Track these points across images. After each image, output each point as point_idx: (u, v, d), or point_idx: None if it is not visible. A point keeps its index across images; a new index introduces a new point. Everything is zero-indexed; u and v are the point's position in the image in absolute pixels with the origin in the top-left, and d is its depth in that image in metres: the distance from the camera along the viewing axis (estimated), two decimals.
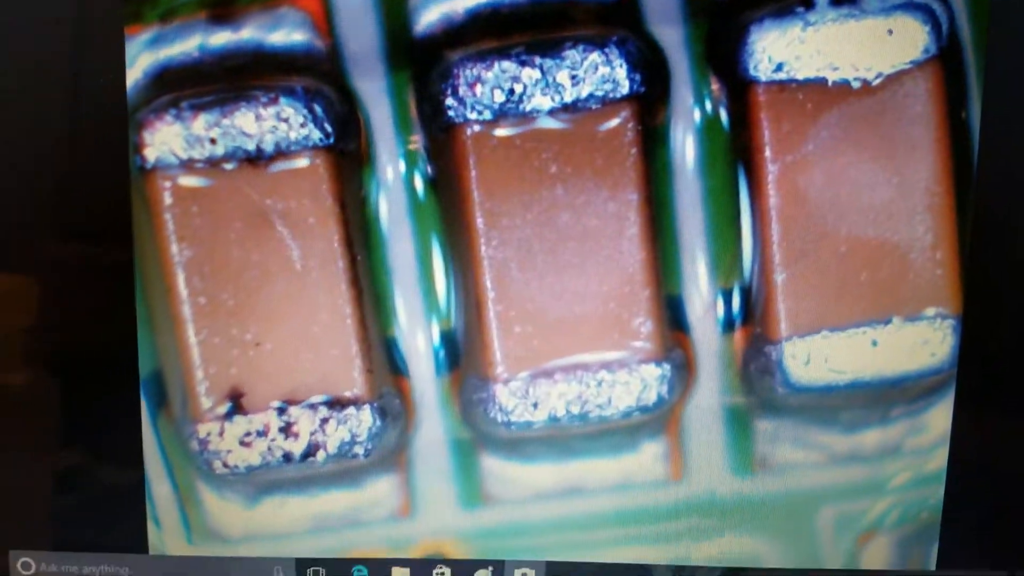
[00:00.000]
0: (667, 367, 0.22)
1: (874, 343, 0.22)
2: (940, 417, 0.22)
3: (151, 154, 0.21)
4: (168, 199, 0.21)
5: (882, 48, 0.21)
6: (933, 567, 0.23)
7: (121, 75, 0.21)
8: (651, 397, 0.22)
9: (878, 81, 0.21)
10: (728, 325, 0.22)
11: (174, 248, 0.21)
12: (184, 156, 0.21)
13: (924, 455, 0.22)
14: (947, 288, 0.22)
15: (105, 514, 0.23)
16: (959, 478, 0.22)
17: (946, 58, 0.21)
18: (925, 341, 0.22)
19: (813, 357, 0.22)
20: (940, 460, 0.22)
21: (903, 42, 0.21)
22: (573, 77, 0.21)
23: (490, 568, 0.24)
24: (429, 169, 0.22)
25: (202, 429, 0.22)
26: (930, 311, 0.22)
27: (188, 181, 0.21)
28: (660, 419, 0.22)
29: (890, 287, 0.22)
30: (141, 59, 0.21)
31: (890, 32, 0.21)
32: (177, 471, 0.23)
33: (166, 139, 0.21)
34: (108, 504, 0.23)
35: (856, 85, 0.21)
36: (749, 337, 0.22)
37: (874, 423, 0.22)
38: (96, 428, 0.23)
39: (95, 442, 0.23)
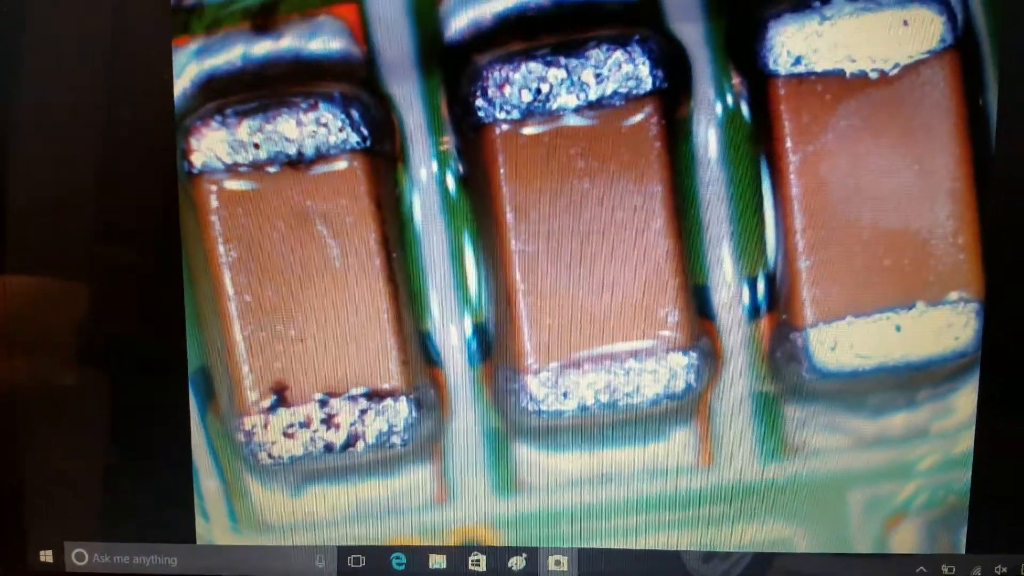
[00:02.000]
0: (694, 355, 0.23)
1: (898, 328, 0.22)
2: (966, 400, 0.22)
3: (198, 159, 0.22)
4: (214, 202, 0.22)
5: (898, 39, 0.21)
6: (962, 551, 0.23)
7: (169, 84, 0.22)
8: (679, 385, 0.23)
9: (895, 71, 0.21)
10: (754, 313, 0.22)
11: (221, 248, 0.23)
12: (229, 161, 0.22)
13: (951, 438, 0.23)
14: (969, 272, 0.22)
15: (155, 506, 0.24)
16: (986, 461, 0.23)
17: (963, 47, 0.21)
18: (949, 325, 0.22)
19: (839, 343, 0.22)
20: (967, 443, 0.23)
21: (919, 32, 0.21)
22: (597, 75, 0.21)
23: (524, 555, 0.24)
24: (460, 168, 0.22)
25: (248, 422, 0.23)
26: (953, 295, 0.22)
27: (233, 184, 0.22)
28: (689, 406, 0.23)
29: (913, 272, 0.22)
30: (188, 69, 0.22)
31: (906, 23, 0.21)
32: (224, 463, 0.24)
33: (212, 145, 0.22)
34: (158, 497, 0.24)
35: (874, 76, 0.21)
36: (775, 324, 0.22)
37: (900, 407, 0.23)
38: (146, 423, 0.24)
39: (146, 437, 0.24)
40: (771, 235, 0.22)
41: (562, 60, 0.21)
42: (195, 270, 0.23)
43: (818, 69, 0.21)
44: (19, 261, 0.23)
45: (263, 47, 0.22)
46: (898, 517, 0.23)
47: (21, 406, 0.24)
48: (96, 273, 0.23)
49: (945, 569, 0.23)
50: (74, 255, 0.23)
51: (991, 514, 0.23)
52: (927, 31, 0.21)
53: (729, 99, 0.22)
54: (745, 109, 0.22)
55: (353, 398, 0.23)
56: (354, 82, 0.22)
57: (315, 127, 0.22)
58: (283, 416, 0.23)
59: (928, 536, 0.23)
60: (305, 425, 0.23)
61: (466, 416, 0.23)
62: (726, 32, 0.21)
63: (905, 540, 0.23)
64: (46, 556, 0.25)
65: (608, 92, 0.21)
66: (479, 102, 0.22)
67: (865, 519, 0.23)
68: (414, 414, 0.23)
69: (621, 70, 0.21)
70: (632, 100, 0.21)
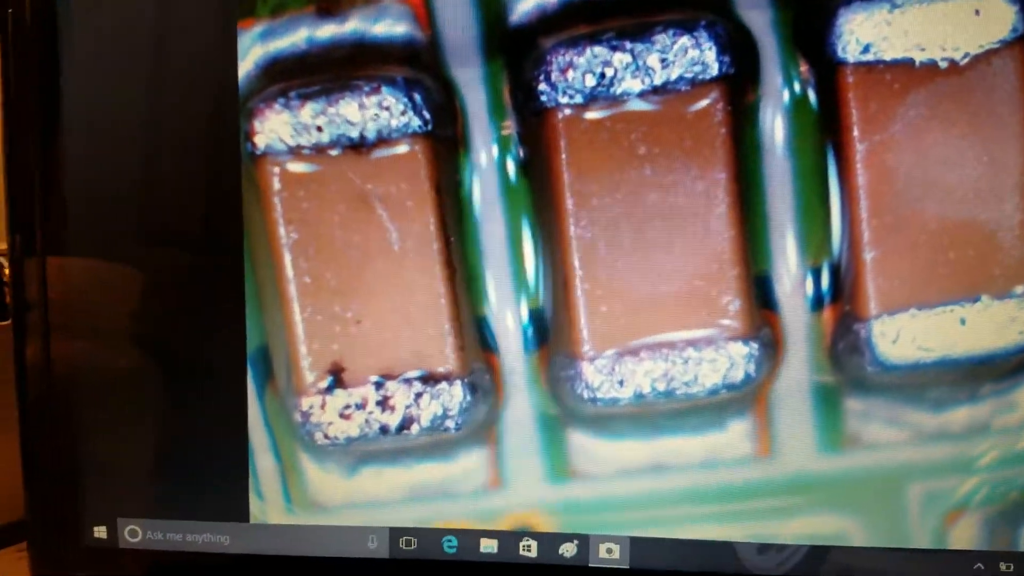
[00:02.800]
0: (755, 345, 0.22)
1: (962, 321, 0.22)
2: None
3: (261, 141, 0.22)
4: (277, 183, 0.23)
5: (969, 28, 0.21)
6: (1021, 548, 0.23)
7: (234, 66, 0.22)
8: (738, 375, 0.23)
9: (965, 61, 0.21)
10: (817, 303, 0.22)
11: (282, 230, 0.23)
12: (292, 143, 0.22)
13: (1013, 434, 0.22)
14: None
15: (209, 485, 0.25)
16: None
17: None
18: (1013, 319, 0.22)
19: (902, 335, 0.22)
20: None
21: (990, 22, 0.21)
22: (663, 60, 0.21)
23: (575, 542, 0.24)
24: (521, 153, 0.22)
25: (305, 402, 0.23)
26: (1019, 289, 0.22)
27: (295, 167, 0.22)
28: (747, 397, 0.23)
29: (978, 265, 0.22)
30: (253, 51, 0.22)
31: (977, 12, 0.21)
32: (280, 442, 0.24)
33: (275, 127, 0.22)
34: (212, 475, 0.25)
35: (943, 65, 0.21)
36: (838, 315, 0.22)
37: (963, 401, 0.22)
38: (203, 401, 0.24)
39: (202, 415, 0.24)
40: (836, 225, 0.22)
41: (627, 44, 0.21)
42: (257, 251, 0.23)
43: (887, 58, 0.21)
44: (83, 241, 0.24)
45: (327, 30, 0.22)
46: (957, 512, 0.23)
47: (78, 384, 0.24)
48: (160, 251, 0.24)
49: (1003, 566, 0.23)
50: (141, 233, 0.24)
51: None
52: (999, 20, 0.21)
53: (796, 86, 0.21)
54: (812, 97, 0.21)
55: (408, 381, 0.23)
56: (417, 66, 0.22)
57: (377, 110, 0.22)
58: (340, 397, 0.23)
59: (987, 532, 0.23)
60: (361, 407, 0.23)
61: (521, 402, 0.23)
62: (794, 19, 0.21)
63: (963, 536, 0.23)
64: (100, 532, 0.25)
65: (673, 77, 0.21)
66: (542, 86, 0.22)
67: (924, 514, 0.23)
68: (469, 398, 0.23)
69: (687, 55, 0.21)
70: (698, 85, 0.21)
